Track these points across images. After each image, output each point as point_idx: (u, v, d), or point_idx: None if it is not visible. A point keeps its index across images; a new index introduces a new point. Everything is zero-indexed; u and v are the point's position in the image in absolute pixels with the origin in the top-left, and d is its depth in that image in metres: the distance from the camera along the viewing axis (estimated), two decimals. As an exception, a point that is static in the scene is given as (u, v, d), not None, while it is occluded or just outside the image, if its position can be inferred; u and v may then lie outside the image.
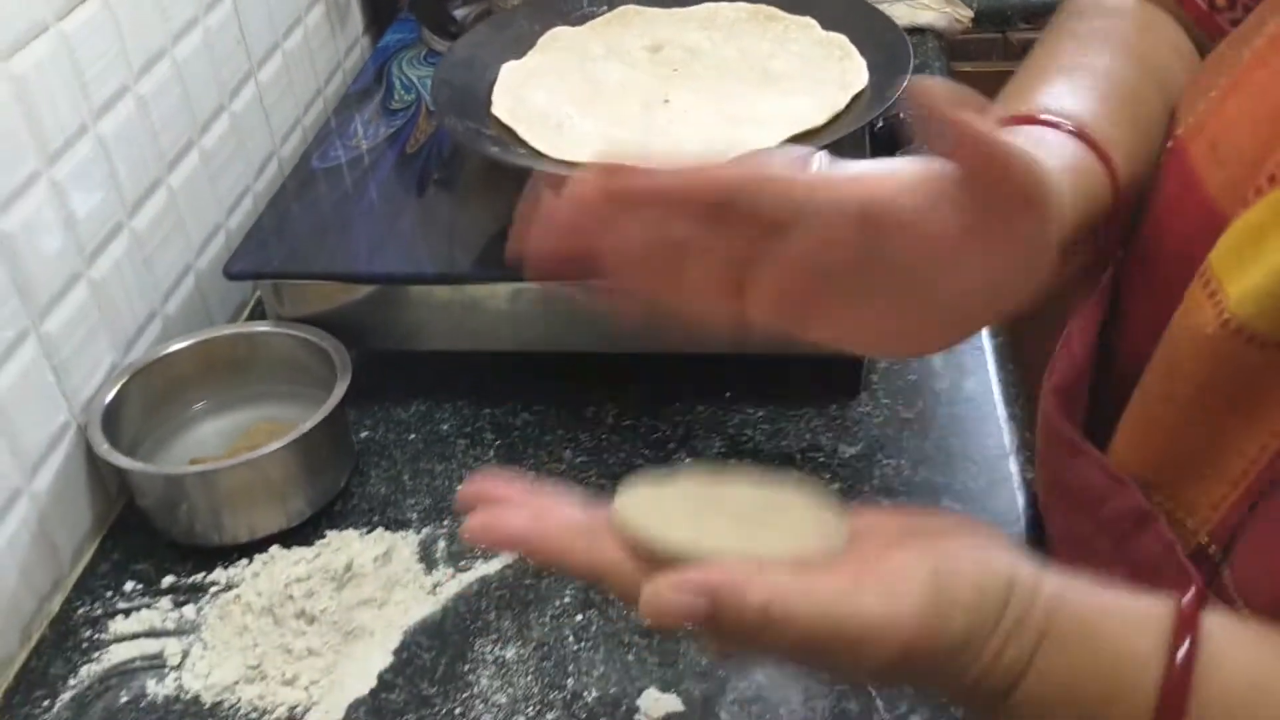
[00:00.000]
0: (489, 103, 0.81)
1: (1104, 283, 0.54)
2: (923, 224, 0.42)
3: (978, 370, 0.81)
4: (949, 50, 1.24)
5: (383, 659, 0.66)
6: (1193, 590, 0.40)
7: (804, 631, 0.37)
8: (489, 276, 0.78)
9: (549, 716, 0.62)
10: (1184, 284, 0.45)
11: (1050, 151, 0.48)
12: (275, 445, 0.71)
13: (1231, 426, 0.44)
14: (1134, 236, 0.52)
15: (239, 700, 0.64)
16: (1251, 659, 0.39)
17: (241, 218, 0.93)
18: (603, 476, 0.77)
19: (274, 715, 0.63)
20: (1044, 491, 0.58)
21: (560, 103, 0.80)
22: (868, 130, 0.88)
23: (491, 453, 0.79)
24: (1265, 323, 0.41)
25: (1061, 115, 0.50)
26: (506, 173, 0.87)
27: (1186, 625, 0.38)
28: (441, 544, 0.73)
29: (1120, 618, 0.39)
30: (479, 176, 0.88)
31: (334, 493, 0.76)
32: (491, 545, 0.42)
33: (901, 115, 0.91)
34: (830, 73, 0.80)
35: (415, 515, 0.75)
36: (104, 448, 0.71)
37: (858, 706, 0.61)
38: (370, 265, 0.80)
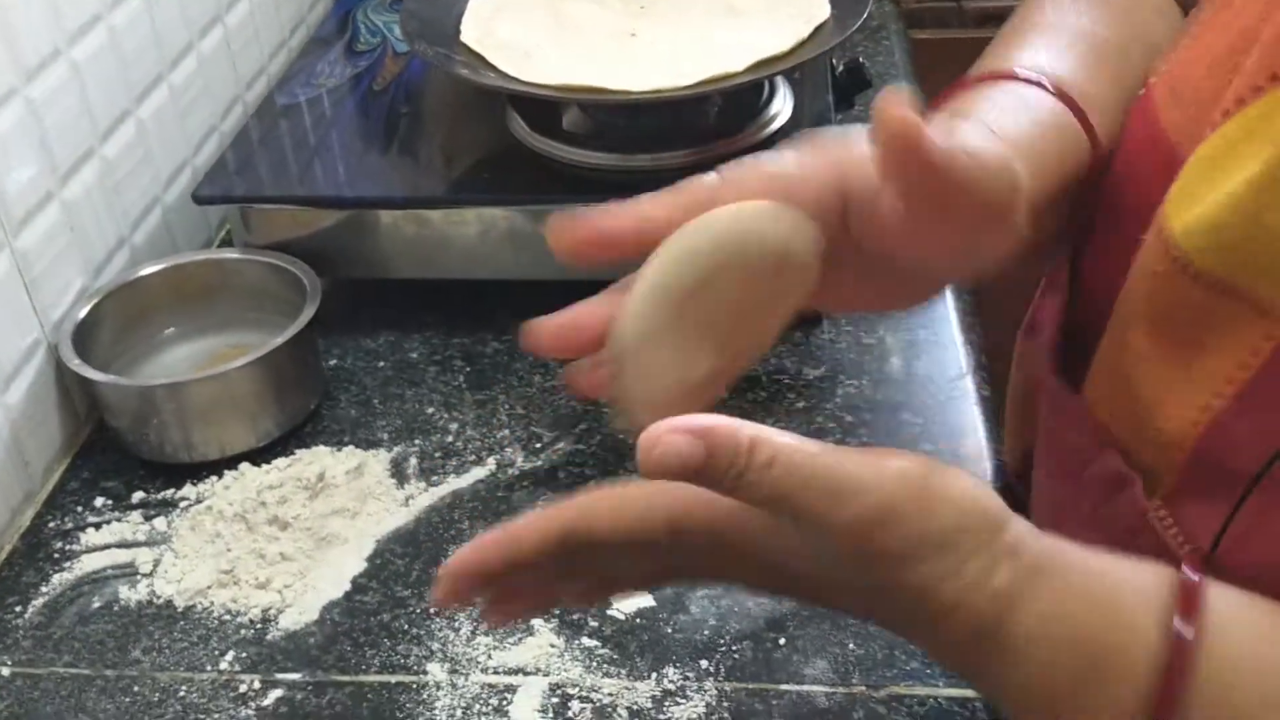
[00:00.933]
0: (457, 32, 0.82)
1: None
2: (871, 212, 0.43)
3: (935, 299, 0.83)
4: (906, 17, 1.27)
5: (356, 565, 0.67)
6: (1194, 560, 0.38)
7: (787, 473, 0.36)
8: (459, 201, 0.79)
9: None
10: (1144, 225, 0.44)
11: (1028, 108, 0.48)
12: (243, 361, 0.71)
13: (1180, 379, 0.42)
14: (1101, 184, 0.51)
15: (212, 603, 0.65)
16: (1255, 635, 0.37)
17: (208, 155, 0.93)
18: (573, 399, 0.78)
19: (247, 616, 0.64)
20: (1036, 449, 0.56)
21: (528, 34, 0.81)
22: (830, 71, 0.91)
23: (462, 379, 0.80)
24: (1208, 257, 0.40)
25: (1039, 72, 0.49)
26: (475, 107, 0.88)
27: (1189, 596, 0.36)
28: (413, 461, 0.74)
29: (1117, 580, 0.38)
30: (447, 111, 0.89)
31: (303, 415, 0.76)
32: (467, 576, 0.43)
33: (861, 59, 0.94)
34: (794, 7, 0.82)
35: (386, 435, 0.76)
36: (75, 362, 0.71)
37: (823, 598, 0.63)
38: (339, 190, 0.81)
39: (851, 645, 0.60)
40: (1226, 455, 0.40)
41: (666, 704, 0.58)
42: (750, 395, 0.76)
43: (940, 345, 0.80)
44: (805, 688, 0.58)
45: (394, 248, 0.82)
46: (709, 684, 0.59)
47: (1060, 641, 0.37)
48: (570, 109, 0.82)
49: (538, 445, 0.74)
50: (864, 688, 0.58)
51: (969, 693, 0.57)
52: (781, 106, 0.84)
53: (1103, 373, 0.47)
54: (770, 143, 0.81)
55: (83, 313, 0.75)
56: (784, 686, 0.58)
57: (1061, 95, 0.49)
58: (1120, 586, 0.38)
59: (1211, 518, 0.40)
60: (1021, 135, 0.46)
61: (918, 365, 0.79)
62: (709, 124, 0.82)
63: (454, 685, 0.59)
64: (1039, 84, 0.49)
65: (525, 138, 0.82)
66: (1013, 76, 0.49)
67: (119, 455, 0.75)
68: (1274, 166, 0.38)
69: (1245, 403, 0.40)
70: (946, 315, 0.82)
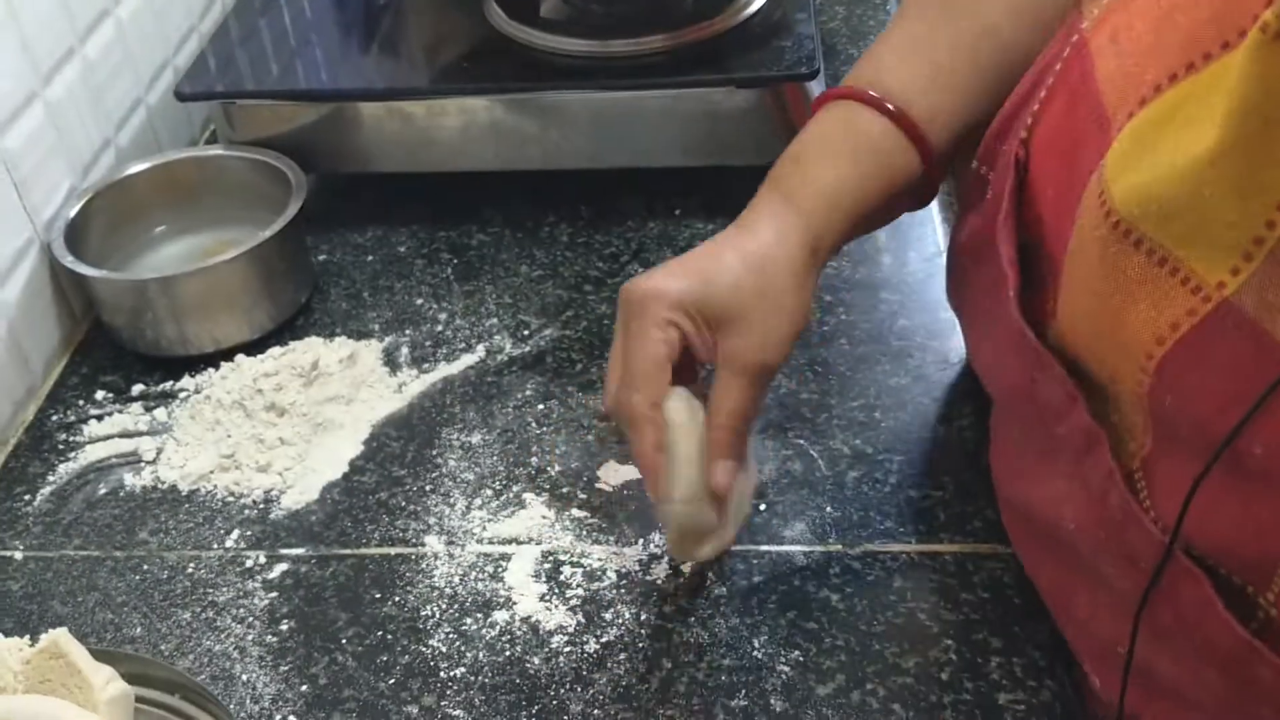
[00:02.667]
0: (434, -77, 0.82)
1: (1007, 191, 0.52)
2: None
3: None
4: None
5: (353, 448, 0.69)
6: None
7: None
8: (439, 91, 0.79)
9: (515, 488, 0.66)
10: (1080, 174, 0.44)
11: (858, 130, 0.57)
12: (233, 253, 0.73)
13: (1121, 346, 0.42)
14: (1035, 131, 0.51)
15: (215, 487, 0.67)
16: None
17: (187, 56, 0.93)
18: (559, 288, 0.79)
19: (250, 498, 0.66)
20: (1002, 403, 0.57)
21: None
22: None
23: (449, 270, 0.82)
24: (1146, 224, 0.40)
25: (880, 91, 0.57)
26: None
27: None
28: (405, 350, 0.75)
29: None
30: (425, 2, 0.89)
31: (295, 308, 0.78)
32: None
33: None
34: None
35: (377, 326, 0.77)
36: (69, 259, 0.73)
37: (801, 466, 0.65)
38: (321, 84, 0.81)
39: (829, 509, 0.63)
40: (1179, 420, 0.41)
41: (653, 566, 0.60)
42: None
43: (919, 224, 0.82)
44: (784, 548, 0.61)
45: (377, 141, 0.83)
46: (694, 548, 0.61)
47: None
48: (548, -4, 0.82)
49: (525, 332, 0.76)
50: (840, 546, 0.60)
51: (939, 547, 0.60)
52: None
53: (1069, 318, 0.47)
54: (747, 26, 0.82)
55: (73, 212, 0.76)
56: (764, 547, 0.61)
57: (897, 114, 0.57)
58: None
59: (1177, 488, 0.41)
60: (843, 171, 0.57)
61: (896, 244, 0.80)
62: (686, 8, 0.82)
63: (451, 555, 0.62)
64: (877, 103, 0.57)
65: (504, 26, 0.83)
66: (862, 97, 0.57)
67: (116, 351, 0.76)
68: (1219, 145, 0.37)
69: (1165, 377, 0.41)
70: (924, 196, 0.83)
